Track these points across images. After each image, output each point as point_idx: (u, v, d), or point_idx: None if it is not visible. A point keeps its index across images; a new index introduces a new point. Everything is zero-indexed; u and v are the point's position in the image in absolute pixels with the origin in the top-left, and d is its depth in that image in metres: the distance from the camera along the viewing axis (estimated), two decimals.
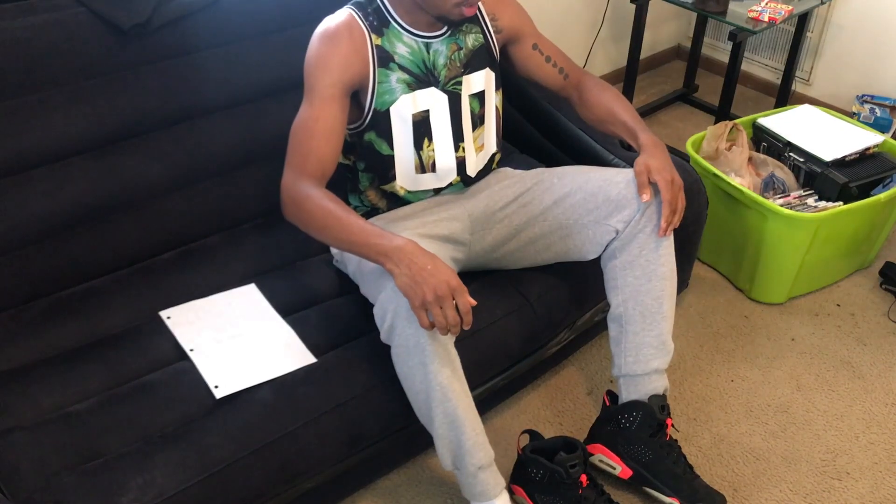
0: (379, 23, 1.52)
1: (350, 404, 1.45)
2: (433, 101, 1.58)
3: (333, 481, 1.53)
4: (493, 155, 1.75)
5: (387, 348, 1.48)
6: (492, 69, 1.66)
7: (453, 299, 1.30)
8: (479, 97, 1.65)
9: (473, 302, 1.33)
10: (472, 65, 1.62)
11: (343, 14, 1.52)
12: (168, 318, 1.57)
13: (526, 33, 1.71)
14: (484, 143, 1.70)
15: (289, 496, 1.44)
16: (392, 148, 1.59)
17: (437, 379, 1.38)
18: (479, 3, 1.62)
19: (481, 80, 1.64)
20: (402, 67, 1.54)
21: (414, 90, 1.56)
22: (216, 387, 1.42)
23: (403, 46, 1.54)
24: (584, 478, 1.56)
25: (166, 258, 1.71)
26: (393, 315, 1.37)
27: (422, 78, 1.56)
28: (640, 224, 1.56)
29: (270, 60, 1.81)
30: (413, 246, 1.34)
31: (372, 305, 1.45)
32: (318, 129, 1.47)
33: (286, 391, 1.43)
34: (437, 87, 1.58)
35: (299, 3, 1.84)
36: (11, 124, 1.53)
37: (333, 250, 1.71)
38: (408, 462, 1.74)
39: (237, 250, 1.75)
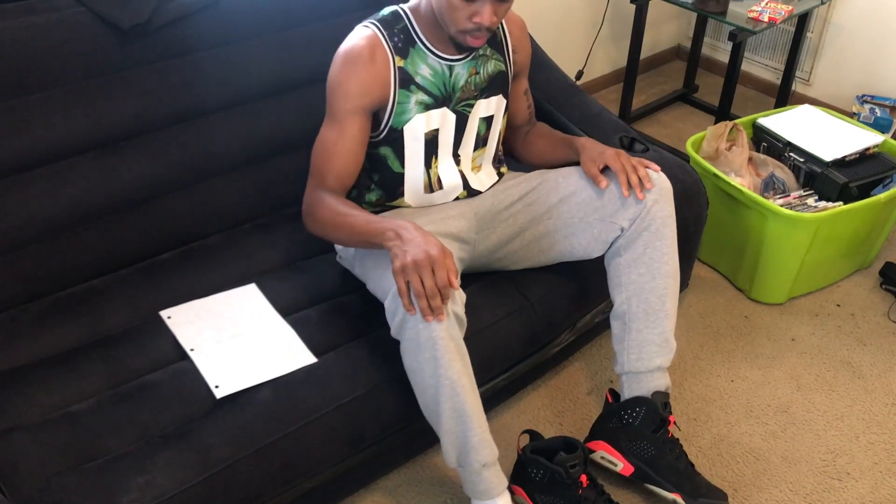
0: (405, 43, 1.52)
1: (350, 404, 1.45)
2: (444, 120, 1.60)
3: (334, 481, 1.53)
4: (500, 171, 1.78)
5: (387, 348, 1.48)
6: (504, 96, 1.68)
7: (433, 270, 1.31)
8: (488, 121, 1.67)
9: (455, 283, 1.33)
10: (489, 90, 1.64)
11: (366, 32, 1.51)
12: (168, 317, 1.57)
13: (525, 74, 1.76)
14: (482, 165, 1.72)
15: (289, 496, 1.44)
16: (403, 166, 1.60)
17: (447, 374, 1.38)
18: (507, 34, 1.65)
19: (493, 106, 1.66)
20: (421, 88, 1.54)
21: (429, 110, 1.57)
22: (216, 387, 1.42)
23: (427, 68, 1.54)
24: (584, 478, 1.56)
25: (166, 258, 1.71)
26: (405, 309, 1.37)
27: (439, 99, 1.57)
28: (646, 221, 1.57)
29: (270, 60, 1.80)
30: (411, 224, 1.37)
31: (375, 304, 1.45)
32: (337, 150, 1.52)
33: (287, 391, 1.43)
34: (448, 107, 1.59)
35: (299, 3, 1.84)
36: (11, 124, 1.52)
37: (338, 248, 1.71)
38: (408, 462, 1.74)
39: (237, 250, 1.75)
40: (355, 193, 1.68)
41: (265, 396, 1.41)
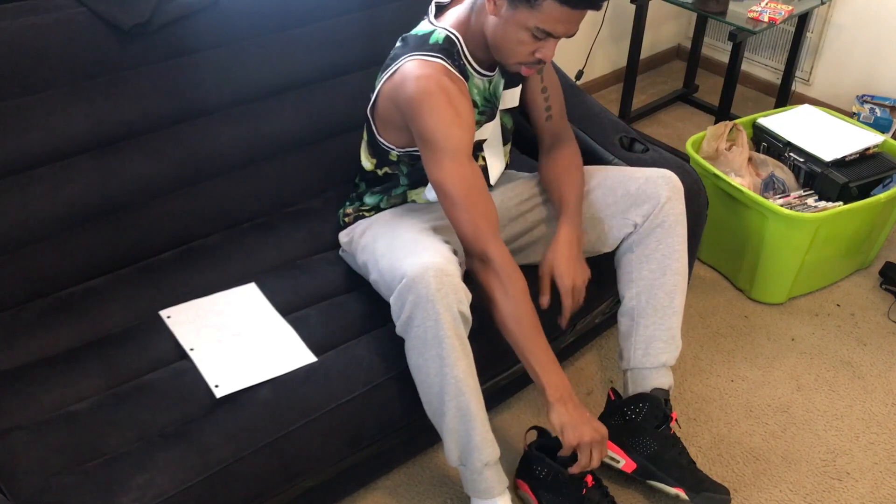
0: (462, 70, 1.49)
1: (350, 403, 1.45)
2: (494, 129, 1.61)
3: (333, 481, 1.53)
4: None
5: (387, 346, 1.49)
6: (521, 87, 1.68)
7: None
8: (511, 114, 1.67)
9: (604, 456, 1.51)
10: (508, 83, 1.62)
11: (435, 65, 1.44)
12: (168, 317, 1.57)
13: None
14: (507, 159, 1.73)
15: (289, 495, 1.44)
16: None
17: (452, 372, 1.38)
18: None
19: (515, 97, 1.65)
20: (477, 107, 1.54)
21: (482, 125, 1.57)
22: (216, 386, 1.42)
23: (475, 88, 1.54)
24: (589, 478, 1.56)
25: (166, 258, 1.71)
26: (412, 306, 1.36)
27: (489, 113, 1.58)
28: (659, 218, 1.59)
29: (270, 60, 1.80)
30: (575, 397, 1.47)
31: (375, 303, 1.45)
32: (483, 185, 1.46)
33: (286, 390, 1.43)
34: (495, 116, 1.59)
35: (299, 4, 1.84)
36: (11, 124, 1.52)
37: (343, 238, 1.71)
38: (408, 462, 1.74)
39: (237, 250, 1.75)
40: (378, 189, 1.68)
41: (265, 396, 1.41)
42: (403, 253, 1.42)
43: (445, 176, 1.42)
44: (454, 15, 1.50)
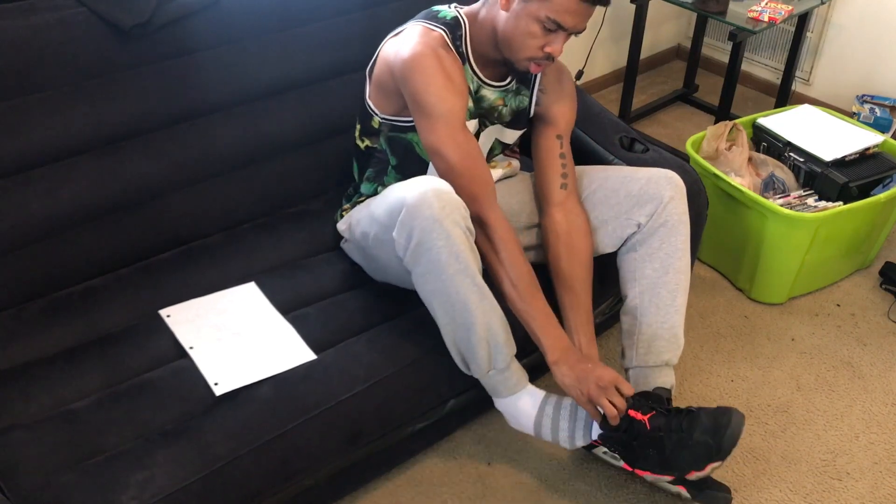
0: (460, 53, 1.53)
1: (349, 401, 1.45)
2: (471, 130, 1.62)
3: (333, 480, 1.53)
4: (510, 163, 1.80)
5: (385, 345, 1.49)
6: (526, 130, 1.70)
7: (616, 388, 1.44)
8: (503, 146, 1.70)
9: (633, 390, 1.47)
10: (513, 123, 1.66)
11: (438, 35, 1.49)
12: (168, 316, 1.57)
13: (560, 122, 1.66)
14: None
15: (288, 494, 1.45)
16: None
17: (475, 281, 1.40)
18: (540, 73, 1.63)
19: (513, 137, 1.69)
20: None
21: (471, 118, 1.59)
22: (216, 384, 1.42)
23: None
24: (637, 415, 1.48)
25: (166, 257, 1.72)
26: (420, 232, 1.35)
27: (471, 113, 1.59)
28: (663, 217, 1.59)
29: (270, 60, 1.81)
30: (577, 352, 1.49)
31: (374, 301, 1.44)
32: (478, 151, 1.49)
33: (286, 388, 1.43)
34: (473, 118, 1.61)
35: (299, 3, 1.84)
36: (11, 124, 1.53)
37: (341, 226, 1.71)
38: (408, 461, 1.74)
39: (237, 249, 1.75)
40: (372, 174, 1.68)
41: (264, 393, 1.42)
42: (396, 192, 1.42)
43: (440, 140, 1.44)
44: (469, 6, 1.56)
